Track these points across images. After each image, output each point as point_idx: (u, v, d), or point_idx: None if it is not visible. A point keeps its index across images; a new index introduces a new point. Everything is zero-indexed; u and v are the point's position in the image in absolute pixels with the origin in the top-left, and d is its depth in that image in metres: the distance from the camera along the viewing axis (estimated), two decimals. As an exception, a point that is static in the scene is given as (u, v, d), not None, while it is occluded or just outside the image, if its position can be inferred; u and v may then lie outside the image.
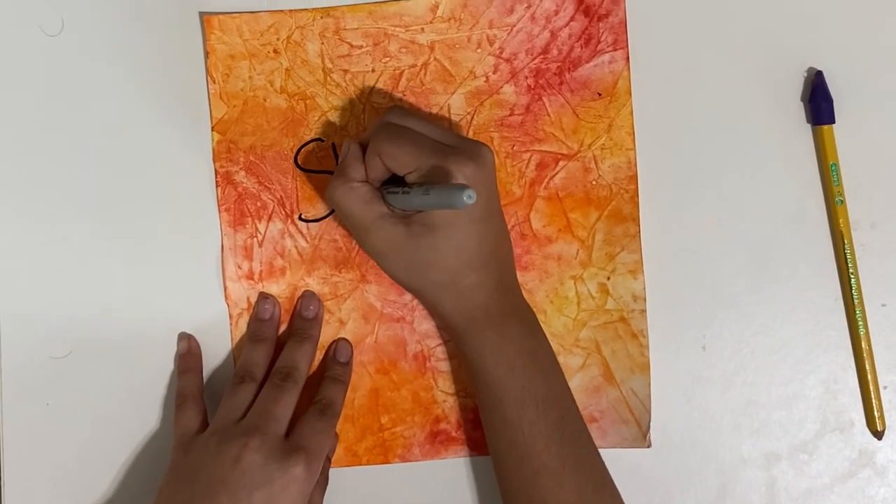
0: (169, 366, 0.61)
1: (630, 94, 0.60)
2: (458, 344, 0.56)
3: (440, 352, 0.61)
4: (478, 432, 0.60)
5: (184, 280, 0.60)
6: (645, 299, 0.61)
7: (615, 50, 0.60)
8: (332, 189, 0.54)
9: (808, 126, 0.62)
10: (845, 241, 0.61)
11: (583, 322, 0.61)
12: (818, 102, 0.61)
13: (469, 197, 0.47)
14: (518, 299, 0.57)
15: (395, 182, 0.55)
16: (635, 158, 0.60)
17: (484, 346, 0.54)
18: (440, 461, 0.61)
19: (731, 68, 0.61)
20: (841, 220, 0.61)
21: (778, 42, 0.61)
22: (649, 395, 0.60)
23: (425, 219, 0.53)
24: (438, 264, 0.54)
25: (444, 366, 0.61)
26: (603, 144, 0.60)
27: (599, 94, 0.60)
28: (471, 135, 0.59)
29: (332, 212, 0.60)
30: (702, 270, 0.61)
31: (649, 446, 0.60)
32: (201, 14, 0.60)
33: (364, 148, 0.55)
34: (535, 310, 0.58)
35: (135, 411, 0.60)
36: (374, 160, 0.54)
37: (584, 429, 0.55)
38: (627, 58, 0.60)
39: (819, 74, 0.61)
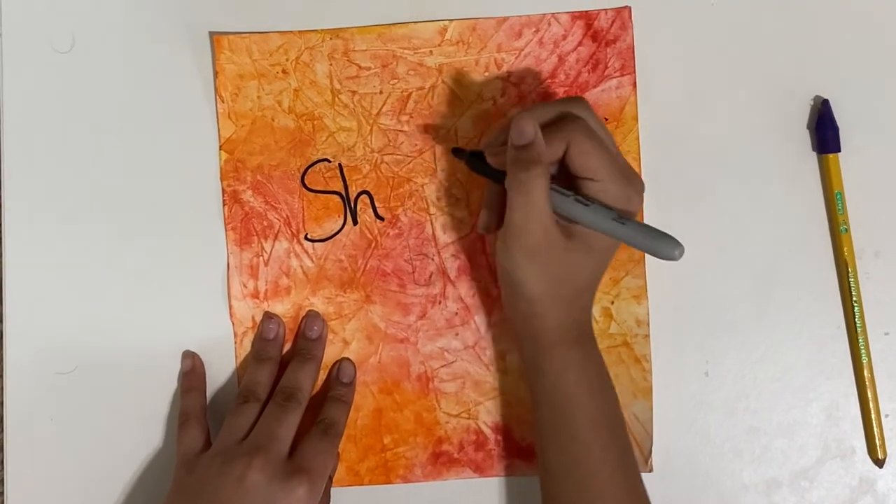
0: (173, 383, 0.60)
1: (637, 120, 0.60)
2: (540, 357, 0.54)
3: (444, 373, 0.60)
4: (480, 454, 0.60)
5: (189, 298, 0.60)
6: (648, 324, 0.60)
7: (622, 75, 0.60)
8: (533, 175, 0.50)
9: (814, 154, 0.62)
10: (849, 270, 0.61)
11: None
12: (824, 131, 0.61)
13: (681, 254, 0.47)
14: (592, 326, 0.57)
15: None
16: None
17: (570, 362, 0.54)
18: (442, 482, 0.60)
19: (738, 95, 0.61)
20: (845, 249, 0.61)
21: (784, 70, 0.61)
22: (651, 420, 0.60)
23: (588, 238, 0.52)
24: (573, 282, 0.53)
25: (448, 387, 0.60)
26: None
27: (606, 119, 0.60)
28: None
29: (338, 232, 0.60)
30: (705, 296, 0.61)
31: (651, 471, 0.60)
32: (211, 34, 0.60)
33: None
34: (540, 333, 0.57)
35: (138, 428, 0.60)
36: (558, 148, 0.51)
37: (638, 467, 0.55)
38: (635, 83, 0.60)
39: (825, 103, 0.61)
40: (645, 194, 0.57)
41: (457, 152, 0.57)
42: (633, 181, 0.52)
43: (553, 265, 0.52)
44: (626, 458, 0.54)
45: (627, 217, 0.50)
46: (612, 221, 0.50)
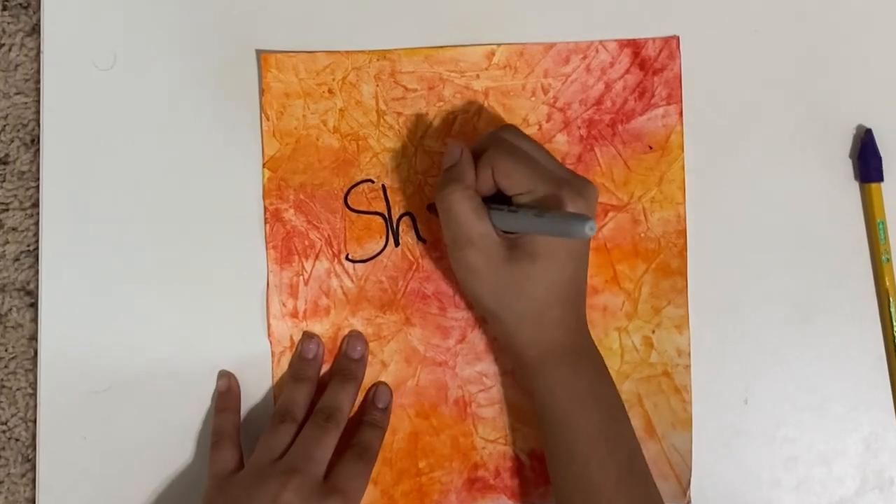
0: (207, 403, 0.60)
1: (682, 149, 0.61)
2: (528, 377, 0.55)
3: (482, 398, 0.60)
4: (516, 480, 0.60)
5: (227, 316, 0.60)
6: (689, 354, 0.60)
7: (669, 104, 0.61)
8: (449, 192, 0.53)
9: (857, 183, 0.62)
10: (891, 300, 0.61)
11: (626, 374, 0.60)
12: (867, 159, 0.61)
13: (591, 229, 0.47)
14: (589, 340, 0.56)
15: (496, 200, 0.54)
16: (685, 213, 0.61)
17: (557, 380, 0.54)
18: (477, 508, 0.60)
19: (782, 124, 0.62)
20: (887, 279, 0.61)
21: (828, 99, 0.62)
22: (690, 451, 0.60)
23: (527, 245, 0.53)
24: (529, 294, 0.53)
25: (486, 412, 0.60)
26: (653, 197, 0.61)
27: (651, 147, 0.61)
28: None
29: (379, 253, 0.60)
30: (746, 325, 0.61)
31: (689, 502, 0.60)
32: (258, 52, 0.60)
33: (474, 157, 0.55)
34: (579, 360, 0.57)
35: (172, 448, 0.60)
36: (486, 172, 0.53)
37: (649, 472, 0.55)
38: (681, 112, 0.61)
39: (868, 132, 0.62)
40: (688, 223, 0.59)
41: (431, 209, 0.59)
42: (564, 185, 0.52)
43: (498, 279, 0.53)
44: (632, 469, 0.54)
45: (547, 210, 0.51)
46: (534, 217, 0.50)
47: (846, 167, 0.62)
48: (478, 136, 0.60)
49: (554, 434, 0.54)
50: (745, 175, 0.62)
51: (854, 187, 0.62)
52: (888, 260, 0.61)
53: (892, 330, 0.61)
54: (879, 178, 0.61)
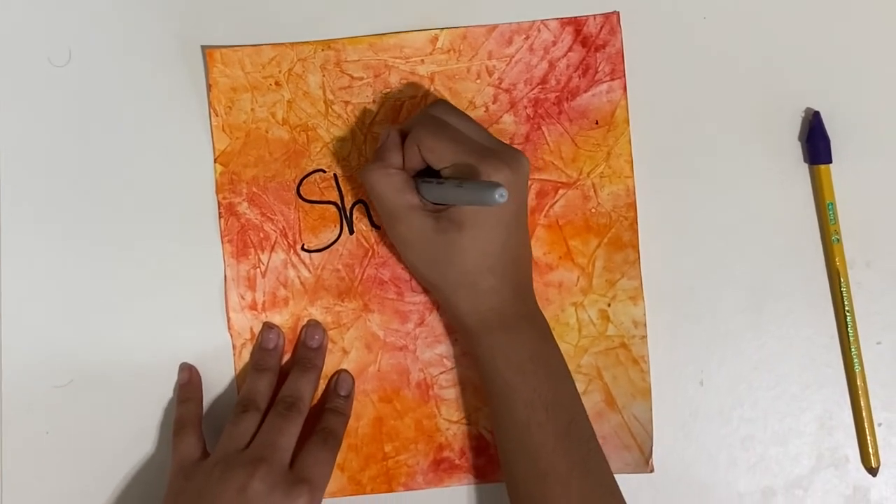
0: (170, 396, 0.60)
1: (628, 123, 0.60)
2: (470, 345, 0.56)
3: (443, 380, 0.60)
4: (481, 459, 0.60)
5: (186, 311, 0.60)
6: (645, 325, 0.60)
7: (612, 80, 0.60)
8: (369, 171, 0.54)
9: (806, 165, 0.62)
10: (841, 280, 0.61)
11: (584, 348, 0.60)
12: (815, 142, 0.61)
13: (501, 195, 0.47)
14: (532, 306, 0.56)
15: (430, 174, 0.54)
16: (634, 186, 0.60)
17: (495, 347, 0.54)
18: (444, 489, 0.60)
19: (729, 104, 0.61)
20: (837, 259, 0.61)
21: (776, 80, 0.61)
22: (651, 420, 0.60)
23: (454, 215, 0.53)
24: (460, 263, 0.53)
25: (448, 393, 0.60)
26: (602, 172, 0.60)
27: (597, 123, 0.60)
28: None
29: (334, 241, 0.60)
30: (699, 306, 0.61)
31: (652, 471, 0.60)
32: (203, 47, 0.60)
33: (404, 136, 0.55)
34: (536, 336, 0.57)
35: (135, 442, 0.59)
36: (413, 149, 0.54)
37: (592, 435, 0.55)
38: (625, 87, 0.60)
39: (816, 115, 0.61)
40: (638, 196, 0.59)
41: None
42: (488, 155, 0.52)
43: (430, 250, 0.53)
44: (570, 432, 0.53)
45: (467, 180, 0.51)
46: (455, 187, 0.50)
47: (795, 149, 0.61)
48: None
49: (496, 400, 0.54)
50: (693, 152, 0.61)
51: (803, 169, 0.61)
52: (838, 240, 0.61)
53: (844, 309, 0.61)
54: (828, 160, 0.61)
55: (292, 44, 0.60)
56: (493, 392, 0.54)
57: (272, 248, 0.60)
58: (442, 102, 0.56)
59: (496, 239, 0.53)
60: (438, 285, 0.55)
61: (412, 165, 0.54)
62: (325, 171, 0.60)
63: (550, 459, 0.52)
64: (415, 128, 0.54)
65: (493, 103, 0.60)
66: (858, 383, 0.61)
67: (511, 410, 0.53)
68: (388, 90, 0.60)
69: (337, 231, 0.60)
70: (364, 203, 0.60)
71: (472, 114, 0.60)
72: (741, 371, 0.61)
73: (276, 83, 0.60)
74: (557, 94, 0.60)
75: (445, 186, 0.52)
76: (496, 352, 0.54)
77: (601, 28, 0.60)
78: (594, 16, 0.60)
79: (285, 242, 0.60)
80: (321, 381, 0.60)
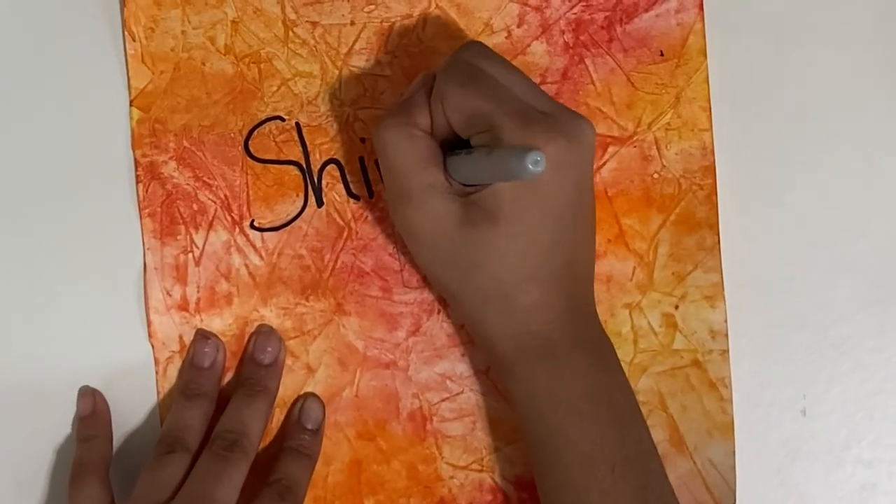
0: (67, 431, 0.52)
1: (705, 56, 0.52)
2: (504, 378, 0.49)
3: (446, 409, 0.52)
4: None
5: (90, 313, 0.53)
6: (727, 335, 0.52)
7: (684, -6, 0.53)
8: (385, 128, 0.47)
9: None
10: None
11: (642, 367, 0.53)
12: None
13: (535, 163, 0.40)
14: (592, 327, 0.49)
15: (460, 146, 0.47)
16: (712, 143, 0.53)
17: (538, 383, 0.47)
18: (447, 562, 0.53)
19: (843, 22, 0.53)
20: None
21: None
22: (733, 466, 0.52)
23: (488, 203, 0.45)
24: (491, 268, 0.46)
25: (453, 428, 0.52)
26: (668, 124, 0.53)
27: (662, 55, 0.53)
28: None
29: (296, 216, 0.52)
30: (802, 307, 0.54)
31: (733, 537, 0.52)
32: (114, -55, 0.52)
33: None
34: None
35: (16, 492, 0.52)
36: (437, 107, 0.47)
37: (673, 501, 0.49)
38: (701, 5, 0.52)
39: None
40: (717, 157, 0.52)
41: None
42: (537, 121, 0.45)
43: (451, 248, 0.47)
44: (648, 499, 0.47)
45: (495, 148, 0.44)
46: (485, 156, 0.45)
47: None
48: (424, 51, 0.52)
49: (540, 454, 0.48)
50: (794, 90, 0.53)
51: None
52: None
53: None
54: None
55: (239, -60, 0.52)
56: (535, 443, 0.48)
57: (210, 226, 0.52)
58: (476, 44, 0.49)
59: (543, 237, 0.46)
60: (459, 296, 0.48)
61: (440, 132, 0.48)
62: (283, 120, 0.52)
63: None
64: (438, 78, 0.47)
65: (518, 26, 0.52)
66: None
67: (561, 469, 0.47)
68: (373, 6, 0.52)
69: (300, 202, 0.53)
70: (338, 163, 0.52)
71: (489, 41, 0.52)
72: (858, 395, 0.54)
73: (217, -5, 0.52)
74: (607, 13, 0.52)
75: (474, 157, 0.45)
76: (538, 388, 0.47)
77: (669, -81, 0.52)
78: None
79: (228, 217, 0.52)
80: (276, 411, 0.52)
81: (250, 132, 0.51)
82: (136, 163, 0.51)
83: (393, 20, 0.51)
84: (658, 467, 0.48)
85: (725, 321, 0.52)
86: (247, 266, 0.51)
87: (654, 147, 0.52)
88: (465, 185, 0.47)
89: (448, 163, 0.47)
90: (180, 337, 0.51)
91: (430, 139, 0.47)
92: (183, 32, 0.51)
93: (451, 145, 0.47)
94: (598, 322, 0.49)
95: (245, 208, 0.51)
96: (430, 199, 0.47)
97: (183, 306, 0.51)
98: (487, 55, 0.48)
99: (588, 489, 0.46)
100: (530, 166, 0.40)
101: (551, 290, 0.47)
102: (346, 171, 0.51)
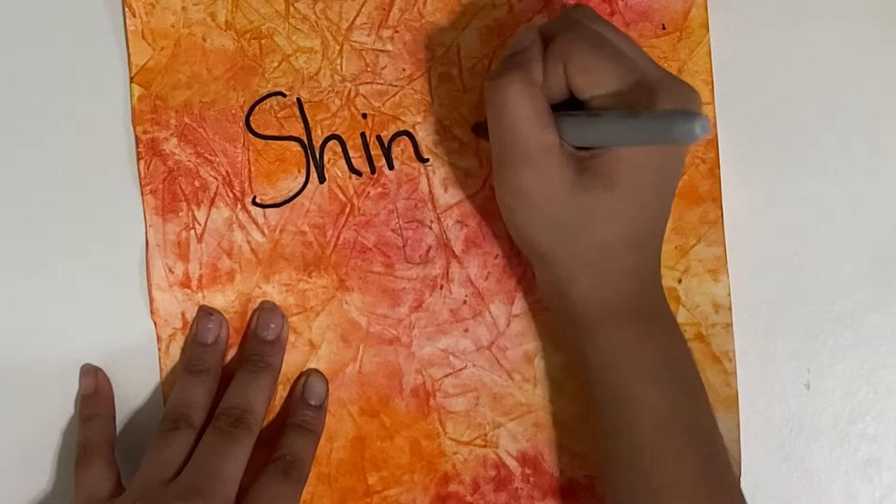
0: (70, 411, 0.52)
1: (707, 29, 0.52)
2: (582, 340, 0.49)
3: (449, 385, 0.52)
4: (502, 494, 0.52)
5: (92, 290, 0.52)
6: (730, 309, 0.52)
7: (686, -34, 0.51)
8: (506, 83, 0.45)
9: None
10: None
11: None
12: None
13: (703, 128, 0.39)
14: (664, 297, 0.50)
15: (567, 107, 0.46)
16: (714, 116, 0.52)
17: (621, 347, 0.47)
18: (451, 536, 0.52)
19: None
20: None
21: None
22: (738, 440, 0.52)
23: (605, 168, 0.45)
24: (597, 233, 0.46)
25: (456, 403, 0.52)
26: None
27: (664, 28, 0.52)
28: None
29: (298, 192, 0.51)
30: (806, 281, 0.54)
31: (739, 509, 0.51)
32: (114, -80, 0.51)
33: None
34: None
35: (21, 473, 0.52)
36: (556, 68, 0.46)
37: (734, 474, 0.49)
38: None
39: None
40: (720, 130, 0.52)
41: (479, 129, 0.51)
42: (660, 86, 0.45)
43: (560, 211, 0.46)
44: (714, 473, 0.48)
45: (640, 112, 0.44)
46: (622, 119, 0.44)
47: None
48: (425, 25, 0.51)
49: (614, 419, 0.48)
50: (798, 64, 0.53)
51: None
52: None
53: None
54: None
55: (240, -86, 0.51)
56: (608, 407, 0.48)
57: (212, 202, 0.52)
58: (585, 8, 0.48)
59: (651, 203, 0.46)
60: (556, 258, 0.47)
61: (551, 91, 0.46)
62: (284, 95, 0.52)
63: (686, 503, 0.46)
64: (560, 37, 0.46)
65: (520, 0, 0.51)
66: None
67: (634, 433, 0.47)
68: (374, -19, 0.51)
69: (302, 178, 0.52)
70: (339, 139, 0.51)
71: (490, 14, 0.51)
72: (862, 370, 0.54)
73: (218, -29, 0.51)
74: (611, -15, 0.51)
75: (606, 119, 0.44)
76: (621, 351, 0.47)
77: None
78: None
79: (230, 194, 0.51)
80: (279, 388, 0.52)
81: (251, 108, 0.51)
82: (137, 140, 0.50)
83: (396, -7, 0.50)
84: (720, 439, 0.48)
85: (729, 295, 0.52)
86: (249, 243, 0.50)
87: (657, 121, 0.51)
88: (577, 148, 0.46)
89: (560, 123, 0.46)
90: (182, 314, 0.50)
91: (544, 98, 0.46)
92: (183, 8, 0.50)
93: (557, 106, 0.47)
94: (664, 295, 0.50)
95: (247, 184, 0.50)
96: (548, 161, 0.46)
97: (185, 283, 0.50)
98: (600, 20, 0.48)
99: (662, 453, 0.46)
100: (698, 131, 0.40)
101: (644, 257, 0.48)
102: (347, 146, 0.51)
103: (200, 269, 0.51)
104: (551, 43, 0.46)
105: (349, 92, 0.51)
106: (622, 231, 0.46)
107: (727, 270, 0.52)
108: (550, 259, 0.48)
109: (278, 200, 0.51)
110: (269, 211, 0.51)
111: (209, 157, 0.50)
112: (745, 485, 0.52)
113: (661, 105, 0.44)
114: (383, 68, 0.51)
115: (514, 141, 0.46)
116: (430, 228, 0.52)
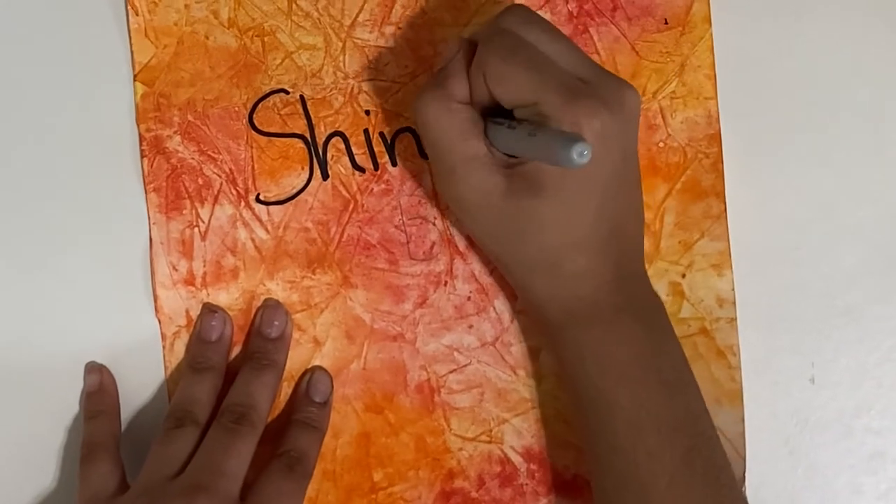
0: (75, 409, 0.52)
1: (709, 23, 0.52)
2: (552, 341, 0.50)
3: (454, 381, 0.51)
4: (507, 490, 0.51)
5: (96, 288, 0.52)
6: (735, 303, 0.52)
7: (688, -39, 0.51)
8: (424, 103, 0.46)
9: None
10: None
11: None
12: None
13: (581, 155, 0.39)
14: (641, 291, 0.49)
15: (505, 113, 0.46)
16: (717, 111, 0.52)
17: (585, 347, 0.47)
18: (456, 533, 0.52)
19: None
20: None
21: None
22: (742, 434, 0.52)
23: (531, 174, 0.45)
24: (535, 239, 0.46)
25: (461, 400, 0.52)
26: (673, 92, 0.52)
27: (667, 23, 0.52)
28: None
29: (302, 189, 0.51)
30: (809, 274, 0.53)
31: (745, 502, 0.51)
32: (116, -81, 0.51)
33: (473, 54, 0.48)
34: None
35: (26, 471, 0.51)
36: (478, 78, 0.46)
37: (724, 464, 0.48)
38: None
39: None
40: (723, 124, 0.52)
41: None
42: (584, 93, 0.45)
43: (497, 218, 0.47)
44: (694, 463, 0.47)
45: (543, 127, 0.43)
46: (527, 136, 0.44)
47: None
48: (428, 22, 0.51)
49: (589, 418, 0.48)
50: (801, 58, 0.53)
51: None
52: None
53: None
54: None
55: (241, -88, 0.51)
56: (584, 407, 0.48)
57: (216, 200, 0.51)
58: (519, 9, 0.48)
59: (588, 206, 0.46)
60: (508, 264, 0.48)
61: (480, 100, 0.47)
62: (287, 93, 0.51)
63: (666, 500, 0.46)
64: (479, 47, 0.46)
65: None
66: None
67: (609, 434, 0.47)
68: (377, -23, 0.51)
69: (305, 175, 0.52)
70: (343, 136, 0.51)
71: (492, 11, 0.51)
72: (867, 364, 0.54)
73: (220, -32, 0.51)
74: (614, -23, 0.51)
75: (517, 133, 0.44)
76: (586, 352, 0.47)
77: None
78: None
79: (233, 191, 0.51)
80: (283, 385, 0.52)
81: (255, 105, 0.50)
82: (141, 137, 0.50)
83: (398, -9, 0.50)
84: (707, 429, 0.48)
85: (733, 289, 0.51)
86: (253, 240, 0.50)
87: (660, 116, 0.52)
88: (508, 156, 0.46)
89: (490, 131, 0.46)
90: (187, 311, 0.50)
91: (469, 110, 0.46)
92: (186, 6, 0.50)
93: (493, 111, 0.46)
94: (648, 288, 0.49)
95: (250, 182, 0.50)
96: (473, 171, 0.46)
97: (189, 281, 0.50)
98: (529, 20, 0.47)
99: (635, 452, 0.46)
100: (575, 157, 0.39)
101: (598, 258, 0.47)
102: (350, 143, 0.51)
103: (204, 266, 0.50)
104: (477, 52, 0.46)
105: (352, 89, 0.50)
106: (562, 235, 0.46)
107: (731, 265, 0.52)
108: (504, 265, 0.49)
109: (282, 197, 0.51)
110: (272, 208, 0.50)
111: (213, 154, 0.50)
112: (750, 479, 0.52)
113: (576, 108, 0.44)
114: (386, 65, 0.51)
115: (440, 154, 0.47)
116: (434, 225, 0.52)
